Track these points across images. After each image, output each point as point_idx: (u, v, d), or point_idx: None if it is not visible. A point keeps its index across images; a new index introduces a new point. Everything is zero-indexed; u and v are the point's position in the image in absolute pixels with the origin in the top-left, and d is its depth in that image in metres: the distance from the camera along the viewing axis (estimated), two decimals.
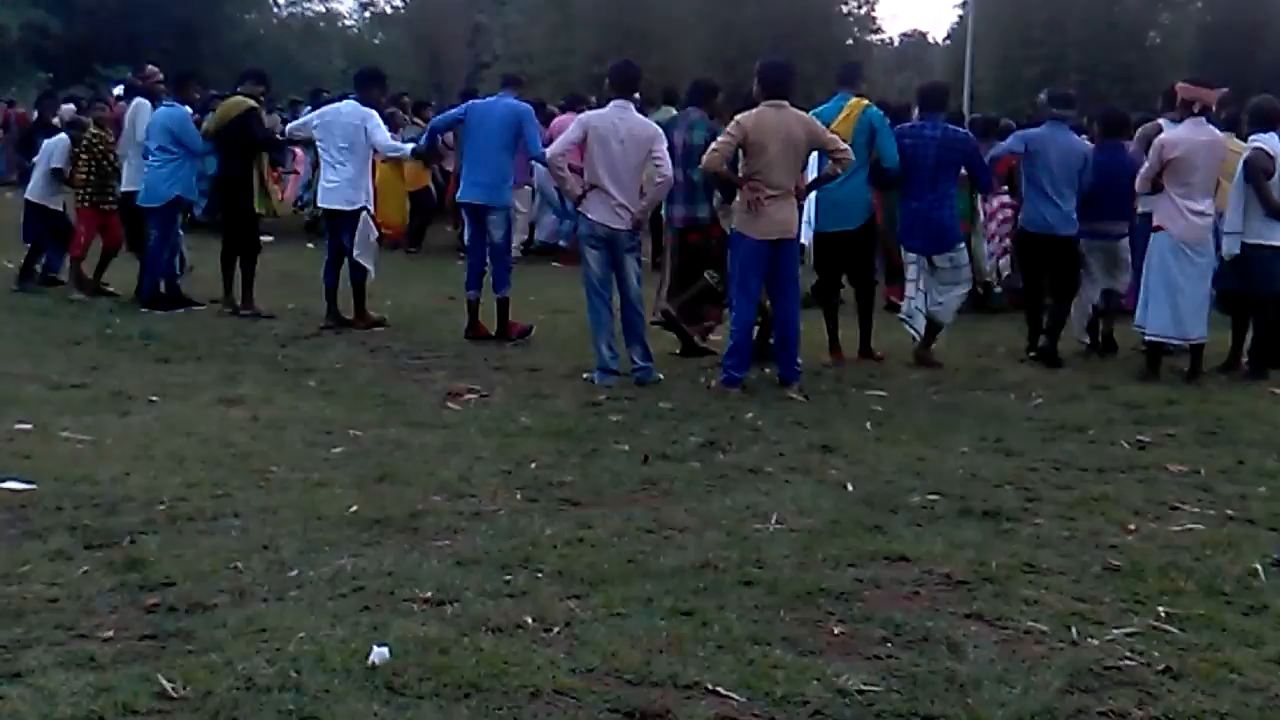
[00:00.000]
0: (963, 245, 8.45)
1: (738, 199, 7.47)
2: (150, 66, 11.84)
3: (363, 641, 3.59)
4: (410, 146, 10.18)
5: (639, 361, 7.65)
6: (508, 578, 4.21)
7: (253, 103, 9.71)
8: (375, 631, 3.70)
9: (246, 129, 9.57)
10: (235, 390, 7.02)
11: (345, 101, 9.47)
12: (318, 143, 9.49)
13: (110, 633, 3.70)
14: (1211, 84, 8.44)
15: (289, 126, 10.29)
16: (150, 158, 9.62)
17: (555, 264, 12.91)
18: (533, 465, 5.66)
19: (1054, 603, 4.13)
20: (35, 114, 18.03)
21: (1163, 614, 4.01)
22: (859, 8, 42.49)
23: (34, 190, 10.54)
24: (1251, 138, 8.07)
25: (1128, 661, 3.67)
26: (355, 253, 8.99)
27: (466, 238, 9.44)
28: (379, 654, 3.50)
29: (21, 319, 9.13)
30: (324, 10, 44.96)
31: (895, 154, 8.13)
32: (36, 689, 3.28)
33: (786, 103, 7.40)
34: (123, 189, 10.07)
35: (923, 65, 52.75)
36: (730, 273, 7.74)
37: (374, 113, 9.19)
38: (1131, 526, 4.98)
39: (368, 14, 49.39)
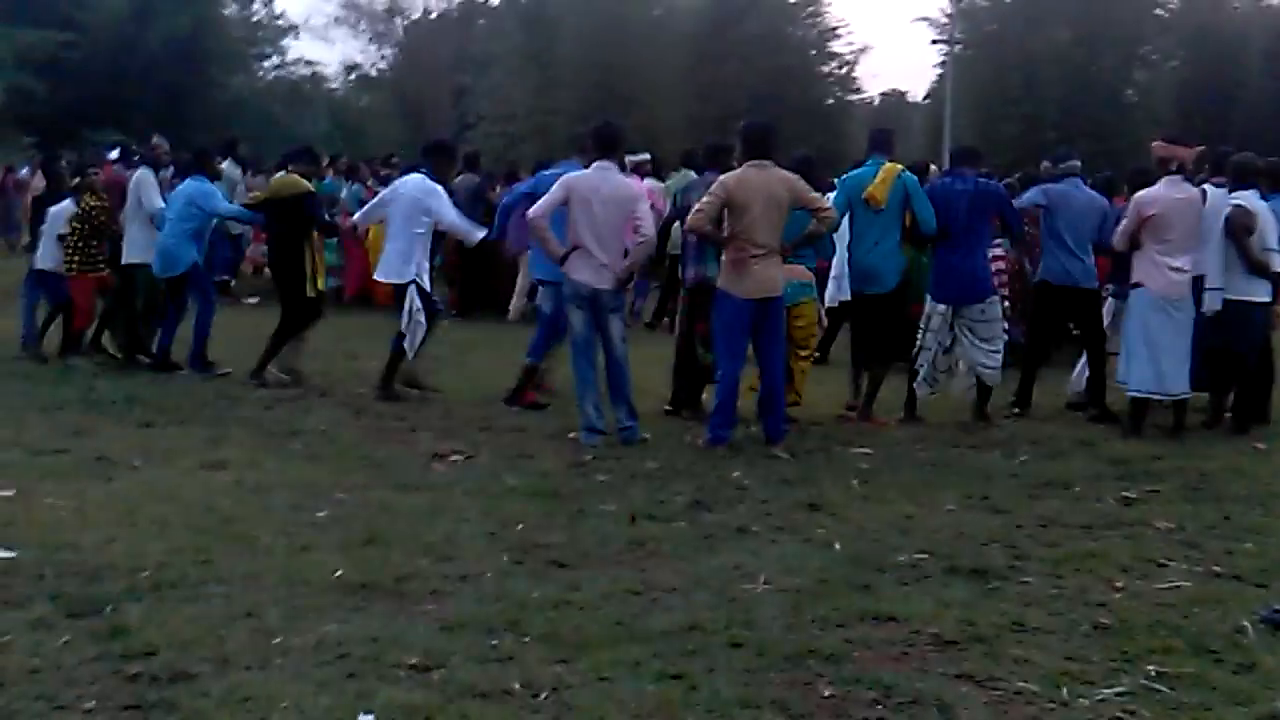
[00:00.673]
0: (996, 298, 8.54)
1: (723, 259, 7.52)
2: (156, 138, 11.88)
3: (348, 710, 3.56)
4: (481, 233, 9.65)
5: (625, 420, 7.65)
6: (494, 642, 4.18)
7: (310, 186, 9.65)
8: (360, 699, 3.66)
9: (306, 212, 9.43)
10: (219, 454, 6.98)
11: (413, 175, 9.23)
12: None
13: (92, 704, 3.65)
14: (1188, 142, 8.58)
15: (359, 218, 9.93)
16: (169, 228, 9.66)
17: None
18: (519, 526, 5.64)
19: (1043, 662, 4.11)
20: (44, 181, 17.52)
21: (1152, 673, 4.00)
22: (840, 68, 43.05)
23: (45, 259, 10.36)
24: (1231, 195, 8.17)
25: None
26: (402, 324, 8.80)
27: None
28: None
29: (3, 384, 9.08)
30: (309, 73, 45.27)
31: (932, 216, 8.25)
32: None
33: (770, 162, 7.48)
34: (125, 260, 10.03)
35: (902, 123, 53.38)
36: (715, 331, 7.76)
37: (440, 188, 8.93)
38: (1119, 584, 4.97)
39: (352, 76, 49.81)
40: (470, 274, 14.11)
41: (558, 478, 6.64)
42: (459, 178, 14.28)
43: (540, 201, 7.80)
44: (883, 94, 55.02)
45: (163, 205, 10.03)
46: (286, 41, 42.95)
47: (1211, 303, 8.06)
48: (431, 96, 45.05)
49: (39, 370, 9.74)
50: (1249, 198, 8.09)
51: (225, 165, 14.40)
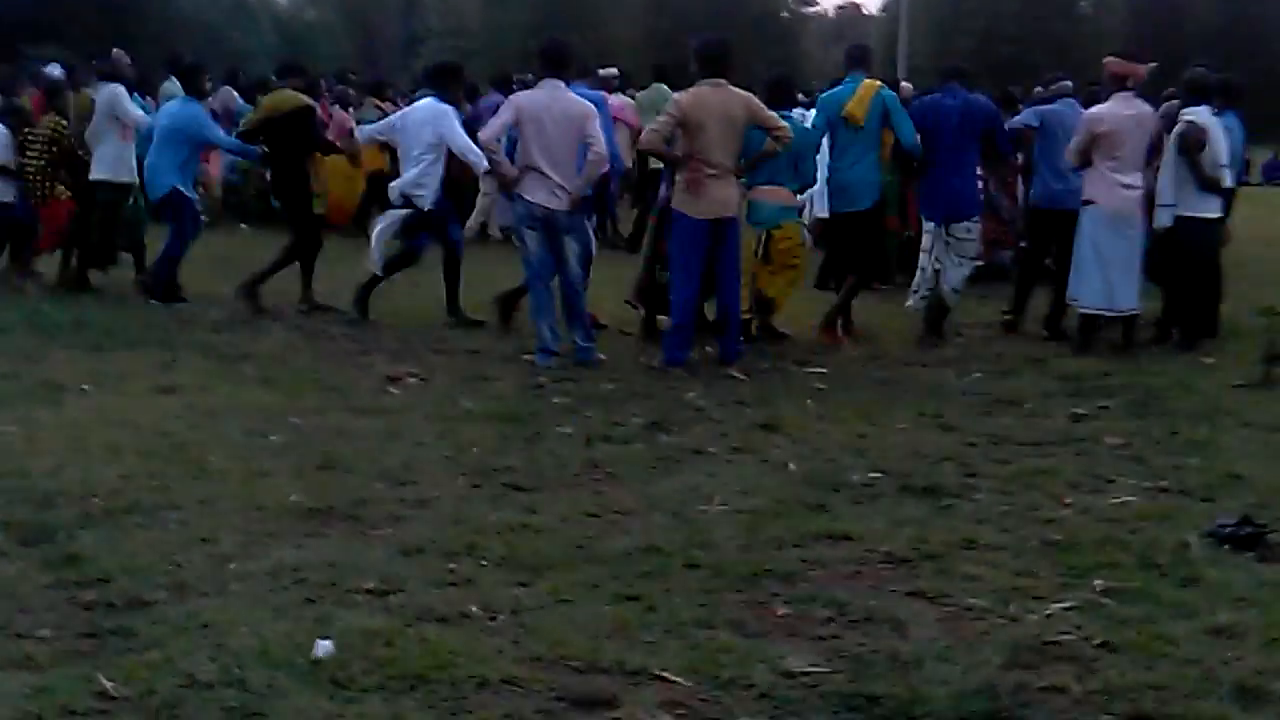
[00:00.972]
0: (978, 217, 8.56)
1: (677, 178, 7.46)
2: (116, 51, 11.42)
3: (306, 635, 3.55)
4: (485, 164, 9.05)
5: (580, 342, 7.64)
6: (452, 566, 4.19)
7: (309, 101, 9.37)
8: (318, 624, 3.66)
9: (306, 131, 9.22)
10: (171, 378, 6.90)
11: (424, 100, 8.89)
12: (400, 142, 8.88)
13: (48, 631, 3.63)
14: (1141, 58, 8.55)
15: (369, 130, 9.68)
16: (154, 151, 9.34)
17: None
18: (475, 450, 5.64)
19: (994, 578, 4.18)
20: None
21: (1099, 588, 4.08)
22: None
23: None
24: (1183, 111, 8.19)
25: (1066, 636, 3.73)
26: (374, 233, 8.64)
27: None
28: (323, 647, 3.46)
29: None
30: None
31: (912, 132, 8.22)
32: None
33: (724, 81, 7.40)
34: (94, 176, 9.67)
35: (858, 37, 53.00)
36: (670, 252, 7.74)
37: (450, 110, 8.60)
38: (1068, 500, 5.06)
39: None
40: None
41: (514, 400, 6.63)
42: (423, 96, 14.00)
43: (490, 123, 7.69)
44: (839, 7, 54.64)
45: (146, 117, 9.76)
46: None
47: (1162, 219, 8.11)
48: (379, 10, 44.15)
49: None
50: (1201, 113, 8.12)
51: (168, 84, 13.99)
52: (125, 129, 9.74)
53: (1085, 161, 8.01)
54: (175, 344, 7.89)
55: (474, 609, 3.82)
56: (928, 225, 8.53)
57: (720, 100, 7.31)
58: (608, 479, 5.30)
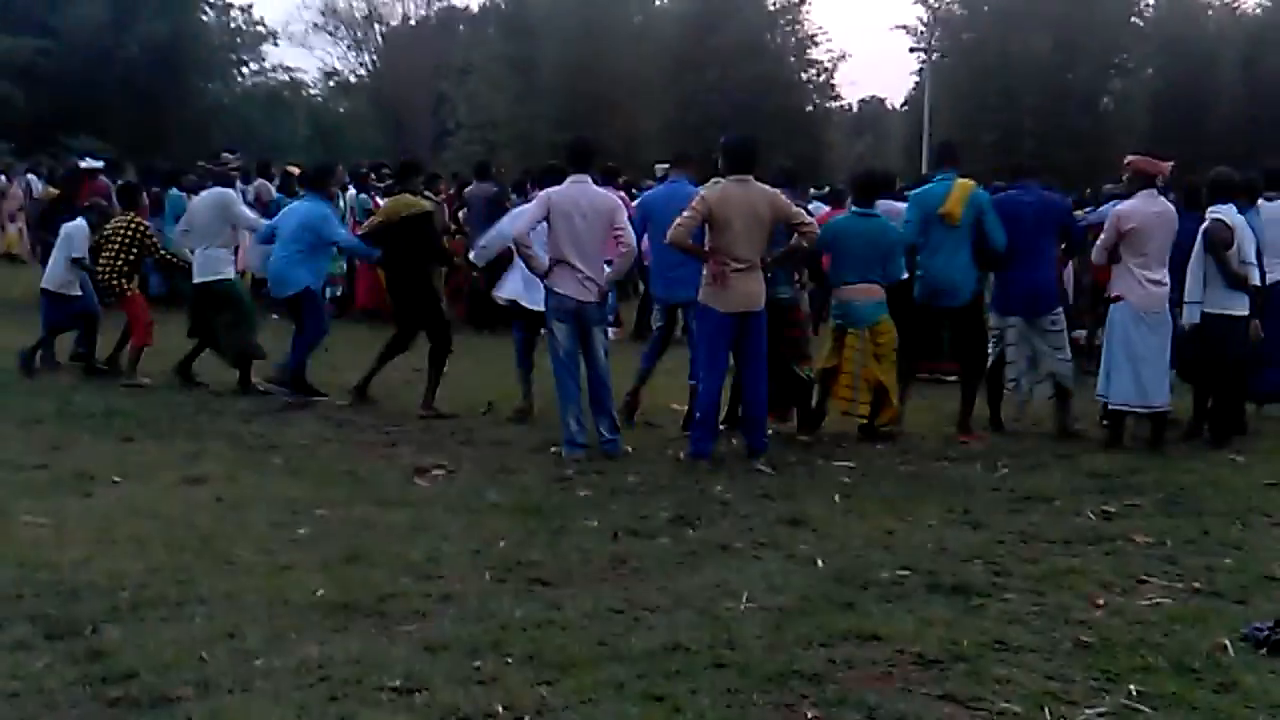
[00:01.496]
0: (1060, 308, 8.68)
1: (704, 274, 7.52)
2: (226, 154, 11.47)
3: None
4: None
5: (606, 434, 7.65)
6: (477, 664, 4.16)
7: (431, 206, 9.44)
8: None
9: (427, 237, 9.24)
10: (199, 469, 6.95)
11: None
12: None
13: None
14: (1163, 156, 8.63)
15: (481, 250, 9.19)
16: (281, 248, 9.37)
17: None
18: (501, 544, 5.62)
19: (1026, 682, 4.12)
20: (56, 190, 16.51)
21: (1134, 692, 4.01)
22: (818, 75, 43.18)
23: (51, 279, 10.21)
24: (1210, 209, 8.22)
25: None
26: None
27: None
28: None
29: None
30: (288, 79, 45.14)
31: (1003, 235, 8.35)
32: None
33: (751, 177, 7.50)
34: (197, 280, 9.69)
35: (881, 130, 53.64)
36: (696, 345, 7.77)
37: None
38: (1100, 601, 4.99)
39: (332, 82, 49.70)
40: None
41: (540, 493, 6.63)
42: (473, 187, 14.21)
43: (522, 219, 7.81)
44: (862, 101, 55.31)
45: (258, 220, 9.84)
46: (265, 48, 42.85)
47: (1190, 316, 8.11)
48: (410, 103, 45.02)
49: (15, 382, 9.65)
50: (1228, 211, 8.15)
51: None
52: (234, 233, 9.81)
53: (1113, 259, 8.04)
54: (203, 434, 7.96)
55: (499, 708, 3.78)
56: (1005, 320, 8.60)
57: (746, 196, 7.39)
58: (633, 574, 5.27)
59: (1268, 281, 8.42)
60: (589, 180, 7.77)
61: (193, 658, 4.14)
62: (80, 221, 10.33)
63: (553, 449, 7.63)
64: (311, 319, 9.46)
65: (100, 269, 10.01)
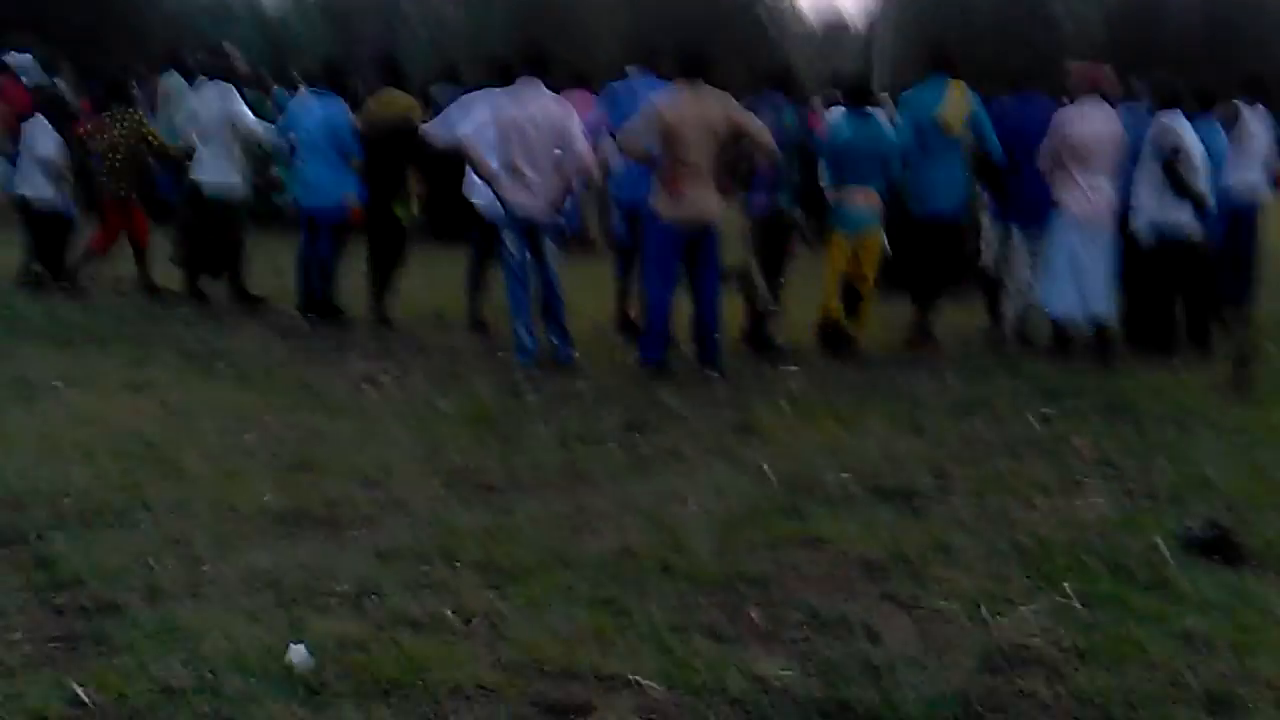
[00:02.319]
0: None
1: (657, 182, 7.46)
2: (226, 44, 10.51)
3: (280, 640, 3.56)
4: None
5: (557, 343, 7.64)
6: (426, 569, 4.20)
7: (419, 109, 8.97)
8: (293, 629, 3.67)
9: (416, 139, 8.63)
10: (143, 375, 6.87)
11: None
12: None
13: (18, 635, 3.62)
14: (1101, 64, 8.62)
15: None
16: (314, 155, 8.74)
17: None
18: (450, 451, 5.63)
19: (965, 583, 4.22)
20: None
21: (1070, 592, 4.12)
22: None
23: (31, 185, 9.64)
24: (1157, 114, 8.23)
25: (1036, 641, 3.77)
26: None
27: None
28: (297, 653, 3.46)
29: None
30: None
31: (999, 146, 8.27)
32: None
33: (702, 81, 7.40)
34: (209, 180, 9.15)
35: (842, 53, 53.00)
36: (646, 255, 7.73)
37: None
38: (1039, 505, 5.10)
39: None
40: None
41: (490, 401, 6.62)
42: (439, 87, 13.80)
43: (464, 124, 7.68)
44: (823, 21, 54.53)
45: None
46: None
47: (1139, 224, 8.16)
48: (363, 16, 43.92)
49: None
50: (1178, 120, 8.16)
51: (168, 78, 13.74)
52: (236, 132, 9.15)
53: (1056, 165, 8.04)
54: (147, 340, 7.85)
55: (449, 614, 3.82)
56: (1009, 228, 8.55)
57: (698, 102, 7.31)
58: (583, 481, 5.30)
59: (1240, 191, 8.43)
60: (540, 84, 7.62)
61: (140, 566, 4.13)
62: (44, 122, 9.68)
63: (502, 355, 7.62)
64: (341, 232, 8.89)
65: (105, 172, 9.40)
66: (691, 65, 7.44)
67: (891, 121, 8.57)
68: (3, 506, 4.67)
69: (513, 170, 7.46)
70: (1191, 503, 5.16)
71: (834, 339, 8.20)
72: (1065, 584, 4.19)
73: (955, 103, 8.25)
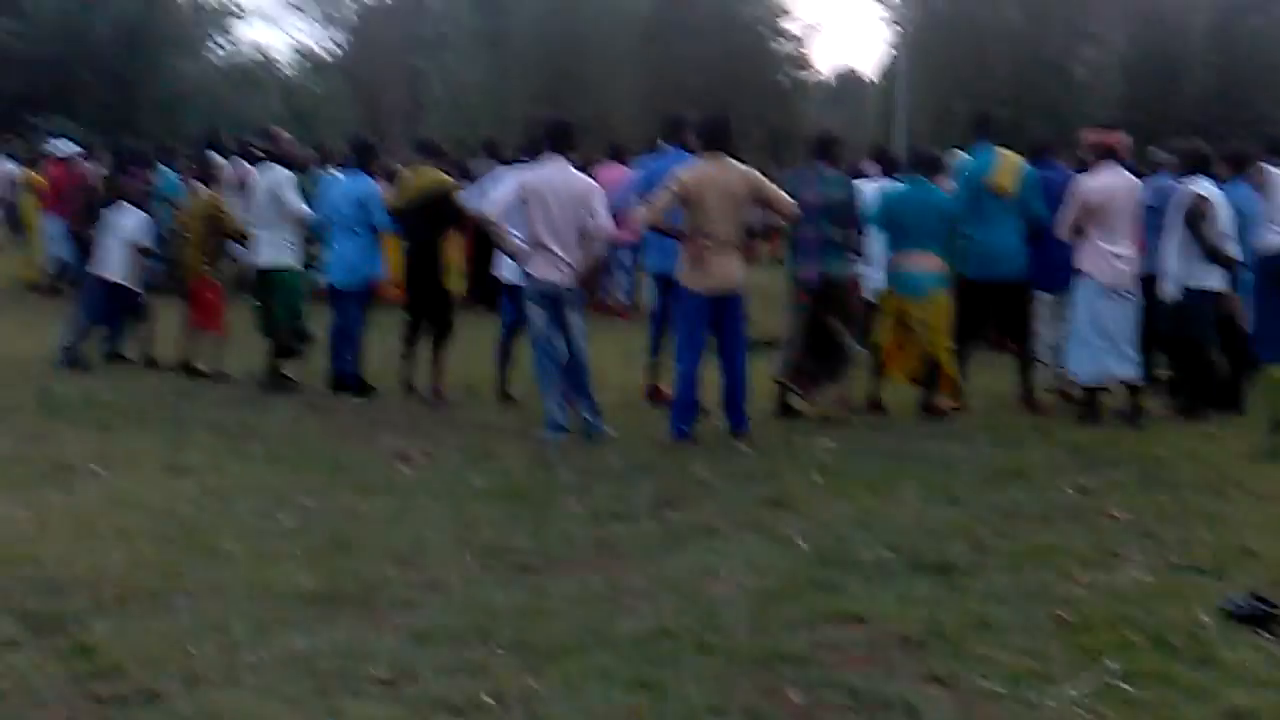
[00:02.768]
0: None
1: (682, 253, 7.53)
2: (276, 129, 10.74)
3: None
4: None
5: (587, 417, 7.66)
6: (464, 652, 4.18)
7: (454, 181, 9.09)
8: (331, 715, 3.67)
9: (453, 209, 8.84)
10: (181, 458, 6.92)
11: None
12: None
13: None
14: (1116, 129, 8.70)
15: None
16: (345, 234, 8.98)
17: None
18: (485, 529, 5.64)
19: (1007, 660, 4.16)
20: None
21: (1114, 669, 4.06)
22: (793, 47, 42.95)
23: (114, 269, 9.83)
24: (1186, 181, 8.25)
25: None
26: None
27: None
28: None
29: None
30: (260, 57, 44.68)
31: (1046, 208, 8.38)
32: None
33: (725, 154, 7.51)
34: (263, 263, 9.28)
35: (857, 103, 53.54)
36: (675, 326, 7.78)
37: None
38: (1079, 577, 5.04)
39: (305, 60, 49.20)
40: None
41: (522, 477, 6.64)
42: (478, 161, 13.89)
43: (496, 200, 7.78)
44: (839, 75, 55.10)
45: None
46: (236, 25, 42.33)
47: (1168, 290, 8.15)
48: (384, 79, 44.61)
49: None
50: (1205, 185, 8.18)
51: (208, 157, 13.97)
52: (286, 213, 9.22)
53: (1077, 233, 8.07)
54: (183, 421, 7.91)
55: (486, 698, 3.80)
56: (1043, 295, 8.68)
57: (721, 174, 7.40)
58: (617, 558, 5.29)
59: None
60: (566, 162, 7.73)
61: (179, 651, 4.14)
62: (135, 210, 9.97)
63: (534, 432, 7.64)
64: (361, 309, 9.11)
65: (180, 255, 9.65)
66: (713, 138, 7.56)
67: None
68: (42, 592, 4.69)
69: (536, 243, 7.54)
70: (1233, 573, 5.10)
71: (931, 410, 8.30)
72: (1107, 659, 4.14)
73: (1007, 167, 8.40)
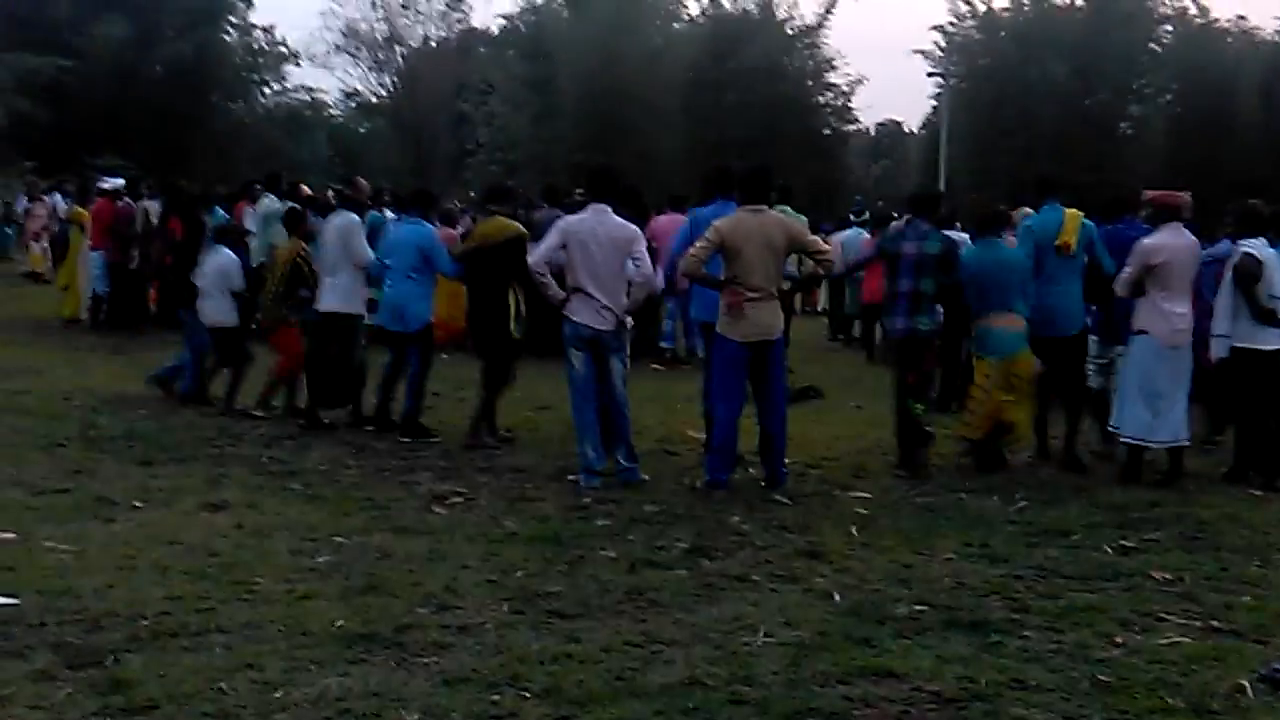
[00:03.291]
0: None
1: (720, 303, 7.55)
2: (359, 179, 10.88)
3: None
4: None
5: (624, 463, 7.67)
6: (495, 698, 4.19)
7: (522, 228, 9.12)
8: None
9: (518, 258, 8.60)
10: (219, 494, 6.99)
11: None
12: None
13: None
14: (1179, 187, 8.67)
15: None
16: (401, 279, 9.03)
17: (655, 366, 12.65)
18: (519, 574, 5.65)
19: None
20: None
21: None
22: (836, 99, 43.17)
23: (215, 313, 9.92)
24: (1240, 243, 8.21)
25: None
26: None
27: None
28: None
29: (2, 420, 9.08)
30: (309, 100, 45.41)
31: (1112, 264, 8.38)
32: None
33: (764, 206, 7.55)
34: (324, 308, 9.31)
35: (898, 154, 53.69)
36: (712, 373, 7.79)
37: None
38: (1118, 639, 4.98)
39: (353, 103, 49.96)
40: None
41: (557, 522, 6.65)
42: (541, 212, 14.04)
43: (540, 248, 7.86)
44: (879, 125, 55.32)
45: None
46: (287, 68, 43.09)
47: (1218, 350, 8.09)
48: (431, 124, 45.21)
49: (39, 405, 9.72)
50: (1258, 246, 8.13)
51: (268, 200, 14.19)
52: (358, 260, 9.29)
53: (1137, 292, 8.03)
54: (224, 459, 8.01)
55: None
56: (1114, 349, 8.66)
57: (759, 225, 7.43)
58: (651, 607, 5.28)
59: None
60: (608, 209, 7.80)
61: (213, 689, 4.17)
62: (225, 250, 10.09)
63: (570, 477, 7.66)
64: (427, 353, 9.21)
65: (266, 300, 9.72)
66: (753, 190, 7.60)
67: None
68: (80, 627, 4.75)
69: (577, 289, 7.59)
70: (1276, 640, 5.01)
71: (987, 460, 8.29)
72: None
73: (1073, 226, 8.41)
